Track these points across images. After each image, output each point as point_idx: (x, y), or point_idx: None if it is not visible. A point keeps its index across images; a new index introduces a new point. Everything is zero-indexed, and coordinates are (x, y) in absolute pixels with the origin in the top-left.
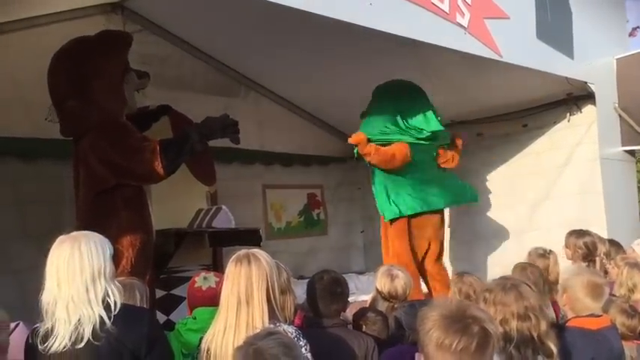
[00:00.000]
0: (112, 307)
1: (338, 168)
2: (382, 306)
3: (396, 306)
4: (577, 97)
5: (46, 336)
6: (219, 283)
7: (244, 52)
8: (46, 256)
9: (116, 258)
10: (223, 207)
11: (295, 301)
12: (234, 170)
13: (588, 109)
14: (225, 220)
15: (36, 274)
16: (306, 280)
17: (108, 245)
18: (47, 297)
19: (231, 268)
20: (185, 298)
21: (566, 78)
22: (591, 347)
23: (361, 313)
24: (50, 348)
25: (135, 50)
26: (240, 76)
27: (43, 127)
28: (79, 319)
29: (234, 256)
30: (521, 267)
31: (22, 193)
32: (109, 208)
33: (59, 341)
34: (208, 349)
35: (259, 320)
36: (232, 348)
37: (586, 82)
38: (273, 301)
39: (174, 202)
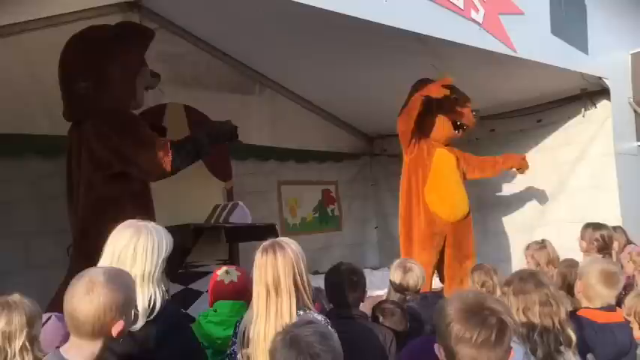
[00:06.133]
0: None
1: (352, 164)
2: (394, 297)
3: (407, 298)
4: (592, 92)
5: None
6: (241, 278)
7: (259, 49)
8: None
9: None
10: (240, 203)
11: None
12: (249, 166)
13: (603, 105)
14: (242, 215)
15: (56, 269)
16: (321, 275)
17: (169, 242)
18: None
19: (258, 258)
20: (202, 292)
21: (581, 73)
22: (590, 338)
23: (380, 305)
24: None
25: (152, 48)
26: (255, 74)
27: (63, 125)
28: None
29: (261, 246)
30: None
31: (43, 190)
32: (114, 200)
33: None
34: (244, 334)
35: (287, 308)
36: (263, 335)
37: (601, 78)
38: (301, 288)
39: (192, 198)
